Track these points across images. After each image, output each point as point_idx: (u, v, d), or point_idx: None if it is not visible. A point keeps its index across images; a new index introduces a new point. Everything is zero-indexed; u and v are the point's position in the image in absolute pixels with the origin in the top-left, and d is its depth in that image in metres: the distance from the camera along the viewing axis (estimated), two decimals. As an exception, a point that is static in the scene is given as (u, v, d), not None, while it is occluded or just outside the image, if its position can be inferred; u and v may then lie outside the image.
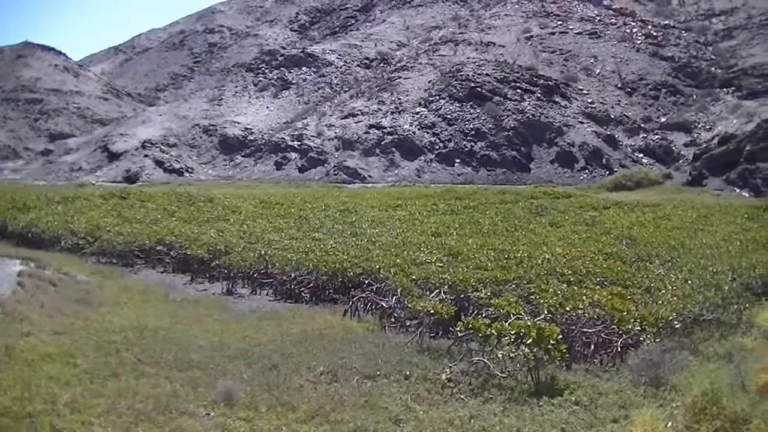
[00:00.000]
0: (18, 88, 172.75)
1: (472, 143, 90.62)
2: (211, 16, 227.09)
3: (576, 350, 16.15)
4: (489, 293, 18.61)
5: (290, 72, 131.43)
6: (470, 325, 14.88)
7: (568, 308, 16.81)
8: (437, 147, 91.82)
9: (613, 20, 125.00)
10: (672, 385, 12.96)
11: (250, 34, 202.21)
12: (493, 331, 14.15)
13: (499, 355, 13.83)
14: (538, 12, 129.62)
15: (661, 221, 36.03)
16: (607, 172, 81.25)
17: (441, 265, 22.57)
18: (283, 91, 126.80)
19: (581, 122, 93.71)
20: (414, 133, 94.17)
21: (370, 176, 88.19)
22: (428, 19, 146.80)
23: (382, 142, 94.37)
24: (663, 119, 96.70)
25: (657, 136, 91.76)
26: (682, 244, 27.62)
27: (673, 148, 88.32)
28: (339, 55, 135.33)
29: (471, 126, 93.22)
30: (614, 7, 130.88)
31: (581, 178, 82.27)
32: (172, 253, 29.57)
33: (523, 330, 13.71)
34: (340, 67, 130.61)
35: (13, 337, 15.62)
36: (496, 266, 22.08)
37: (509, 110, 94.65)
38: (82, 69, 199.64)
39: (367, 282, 21.89)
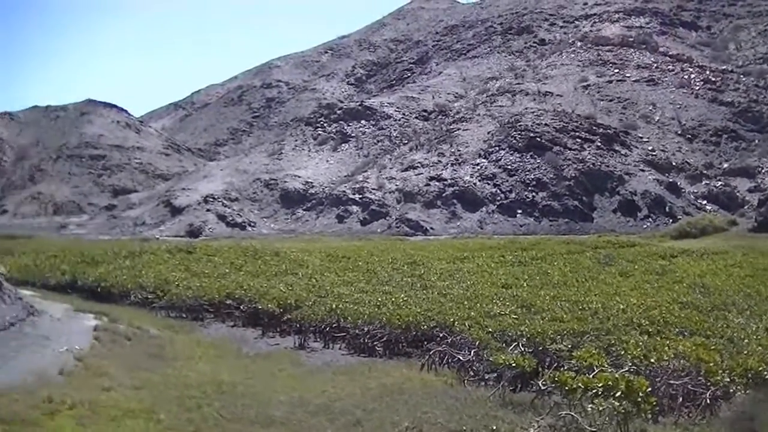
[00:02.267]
0: (82, 145, 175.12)
1: (534, 193, 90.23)
2: (269, 72, 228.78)
3: (663, 403, 15.89)
4: (569, 345, 18.44)
5: (349, 125, 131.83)
6: (555, 378, 14.70)
7: (652, 360, 16.56)
8: (498, 198, 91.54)
9: (670, 67, 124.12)
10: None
11: (308, 88, 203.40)
12: (580, 384, 13.96)
13: (588, 409, 13.62)
14: (595, 60, 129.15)
15: (732, 269, 35.38)
16: (671, 220, 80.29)
17: (515, 317, 22.39)
18: (343, 144, 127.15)
19: (642, 170, 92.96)
20: (475, 184, 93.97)
21: (432, 228, 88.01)
22: (484, 70, 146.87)
23: (443, 194, 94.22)
24: (725, 165, 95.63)
25: (720, 183, 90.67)
26: (757, 292, 27.14)
27: (737, 194, 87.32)
28: (397, 107, 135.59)
29: (532, 176, 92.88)
30: (671, 53, 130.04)
31: (644, 226, 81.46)
32: (242, 307, 29.49)
33: (610, 382, 13.52)
34: (399, 120, 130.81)
35: (95, 392, 15.65)
36: (571, 317, 21.87)
37: (569, 159, 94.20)
38: (143, 125, 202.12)
39: (441, 335, 21.73)
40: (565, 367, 16.80)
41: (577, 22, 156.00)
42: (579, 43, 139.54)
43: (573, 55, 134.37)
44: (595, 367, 15.44)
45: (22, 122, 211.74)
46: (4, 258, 41.75)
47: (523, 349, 18.64)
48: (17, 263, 45.51)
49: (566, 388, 14.28)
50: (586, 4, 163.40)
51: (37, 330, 21.56)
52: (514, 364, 16.89)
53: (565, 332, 19.74)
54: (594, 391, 13.60)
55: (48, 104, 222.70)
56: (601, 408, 13.33)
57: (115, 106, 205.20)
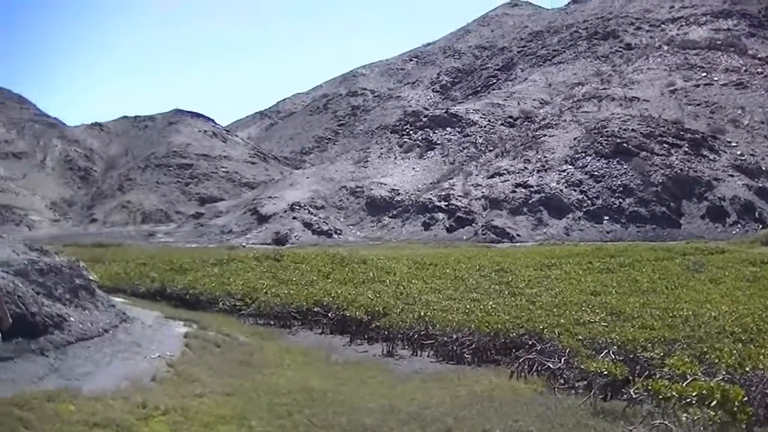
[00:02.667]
0: (169, 154, 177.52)
1: (621, 200, 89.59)
2: (354, 80, 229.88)
3: (758, 413, 15.60)
4: (660, 353, 18.22)
5: (435, 132, 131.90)
6: (648, 387, 14.52)
7: (747, 368, 16.27)
8: (585, 204, 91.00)
9: (759, 69, 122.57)
10: None
11: (393, 96, 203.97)
12: (674, 393, 13.77)
13: (683, 418, 13.43)
14: (682, 65, 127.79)
15: (828, 275, 34.80)
16: (761, 226, 78.96)
17: (605, 324, 22.17)
18: (429, 152, 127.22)
19: (731, 175, 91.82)
20: (561, 191, 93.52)
21: (518, 235, 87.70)
22: (570, 76, 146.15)
23: (530, 201, 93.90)
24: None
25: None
26: None
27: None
28: (482, 114, 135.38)
29: (618, 182, 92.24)
30: (760, 56, 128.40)
31: (734, 232, 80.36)
32: (329, 315, 29.46)
33: (705, 391, 13.32)
34: (484, 127, 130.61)
35: (188, 398, 15.79)
36: (662, 325, 21.54)
37: (656, 165, 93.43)
38: (229, 134, 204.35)
39: (530, 342, 21.59)
40: (657, 376, 16.59)
41: (663, 26, 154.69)
42: (666, 47, 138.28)
43: (659, 60, 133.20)
44: (688, 376, 15.22)
45: (111, 132, 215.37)
46: (94, 266, 42.16)
47: (613, 356, 18.45)
48: (108, 271, 46.05)
49: (660, 396, 14.08)
50: (672, 7, 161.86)
51: (129, 337, 21.83)
52: (605, 372, 16.74)
53: (655, 340, 19.47)
54: (688, 400, 13.40)
55: (137, 114, 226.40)
56: (695, 417, 13.12)
57: (202, 115, 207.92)
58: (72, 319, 19.17)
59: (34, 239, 52.89)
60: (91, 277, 24.44)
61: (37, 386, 15.40)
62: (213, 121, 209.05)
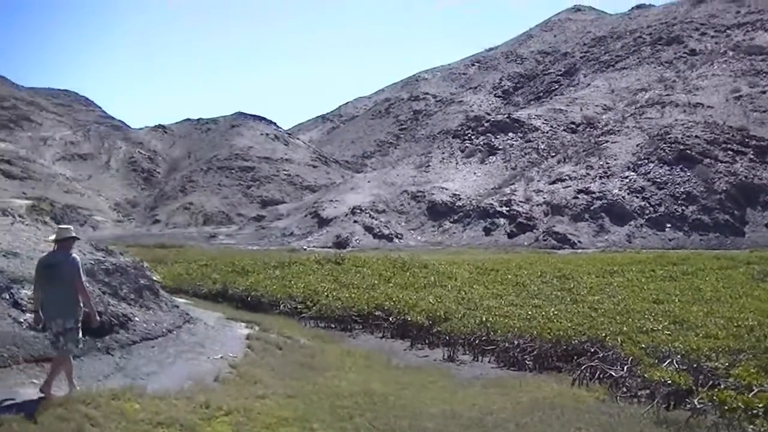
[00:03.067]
0: (231, 157, 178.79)
1: (683, 207, 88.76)
2: (416, 84, 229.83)
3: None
4: (725, 363, 18.01)
5: (496, 137, 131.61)
6: (713, 397, 14.38)
7: (815, 381, 16.09)
8: (647, 211, 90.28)
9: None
10: None
11: (455, 100, 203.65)
12: (740, 404, 13.63)
13: (749, 430, 13.29)
14: (747, 71, 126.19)
15: None
16: (827, 235, 78.22)
17: (668, 333, 21.96)
18: (490, 157, 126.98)
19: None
20: (623, 197, 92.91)
21: (579, 241, 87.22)
22: (633, 82, 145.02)
23: (591, 207, 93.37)
24: None
25: None
26: None
27: None
28: (544, 120, 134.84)
29: (681, 189, 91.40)
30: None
31: (799, 241, 79.44)
32: (390, 319, 29.47)
33: (772, 402, 13.19)
34: (546, 132, 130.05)
35: (250, 399, 15.87)
36: (726, 334, 21.23)
37: (720, 172, 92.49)
38: (291, 137, 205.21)
39: (592, 350, 21.46)
40: (722, 386, 16.42)
41: (729, 31, 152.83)
42: (731, 53, 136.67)
43: (725, 65, 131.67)
44: (754, 387, 15.05)
45: (174, 135, 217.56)
46: (157, 266, 42.57)
47: (677, 365, 18.29)
48: (170, 272, 46.51)
49: (725, 407, 13.94)
50: (738, 12, 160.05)
51: (192, 337, 22.00)
52: (669, 381, 16.61)
53: (720, 349, 19.21)
54: (754, 411, 13.28)
55: (199, 117, 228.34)
56: (762, 429, 13.01)
57: (264, 118, 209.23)
58: (137, 318, 19.39)
59: (99, 239, 53.54)
60: (154, 278, 24.68)
61: (102, 384, 15.56)
62: (275, 124, 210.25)
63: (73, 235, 14.83)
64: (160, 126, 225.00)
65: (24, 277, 18.17)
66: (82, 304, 14.37)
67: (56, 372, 14.37)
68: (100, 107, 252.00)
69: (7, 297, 17.25)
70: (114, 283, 21.07)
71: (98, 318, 15.33)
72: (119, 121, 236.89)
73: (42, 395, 13.94)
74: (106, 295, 19.93)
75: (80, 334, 14.57)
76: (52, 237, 15.11)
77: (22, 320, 16.74)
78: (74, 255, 14.63)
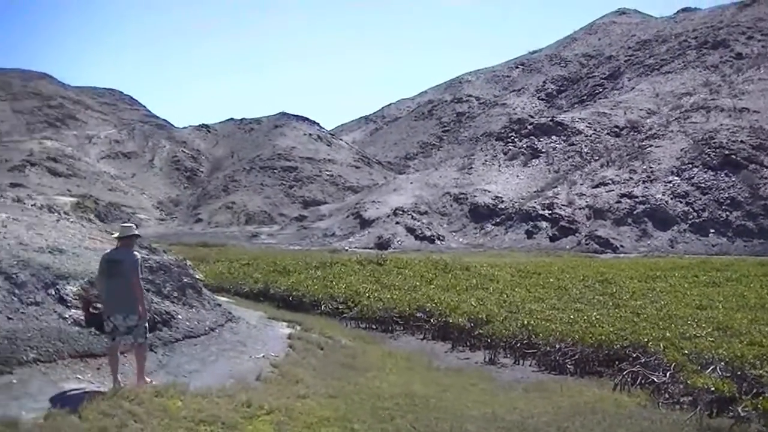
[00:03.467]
0: (274, 157, 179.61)
1: (727, 213, 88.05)
2: (459, 86, 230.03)
3: None
4: (771, 371, 17.86)
5: (539, 140, 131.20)
6: (758, 405, 14.29)
7: None
8: (691, 217, 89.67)
9: None
10: None
11: (498, 103, 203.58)
12: (783, 412, 13.53)
13: (793, 439, 13.19)
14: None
15: None
16: None
17: (712, 339, 21.77)
18: (533, 160, 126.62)
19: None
20: (666, 202, 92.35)
21: (621, 246, 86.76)
22: (678, 86, 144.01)
23: (634, 212, 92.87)
24: None
25: None
26: None
27: None
28: (588, 123, 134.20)
29: (726, 195, 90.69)
30: None
31: None
32: (432, 321, 29.43)
33: (816, 412, 13.07)
34: (590, 136, 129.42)
35: (291, 399, 15.90)
36: (772, 342, 21.18)
37: (766, 178, 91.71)
38: (334, 138, 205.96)
39: (634, 355, 21.33)
40: (766, 394, 16.29)
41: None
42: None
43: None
44: (797, 395, 14.95)
45: (218, 134, 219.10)
46: (199, 265, 42.76)
47: (720, 372, 18.15)
48: (212, 270, 46.73)
49: (769, 415, 13.87)
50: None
51: (235, 336, 22.08)
52: (712, 389, 16.49)
53: (764, 357, 18.96)
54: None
55: (243, 117, 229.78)
56: (806, 438, 12.92)
57: (307, 119, 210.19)
58: (180, 316, 19.51)
59: (142, 237, 53.83)
60: (197, 276, 24.80)
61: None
62: (318, 124, 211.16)
63: (135, 233, 15.73)
64: (203, 125, 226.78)
65: (69, 273, 18.35)
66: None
67: (142, 362, 15.38)
68: (144, 106, 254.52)
69: (53, 293, 17.41)
70: (158, 281, 21.22)
71: (147, 314, 15.99)
72: (163, 120, 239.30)
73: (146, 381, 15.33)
74: (149, 293, 20.06)
75: (147, 327, 15.48)
76: (116, 234, 15.80)
77: (67, 316, 16.90)
78: (135, 252, 15.51)
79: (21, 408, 12.42)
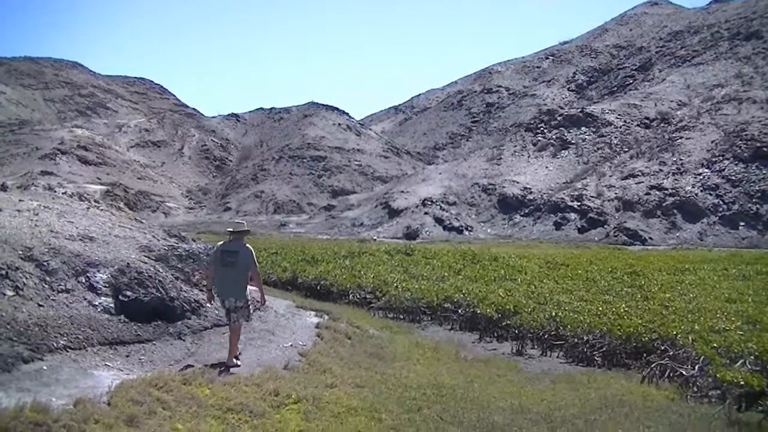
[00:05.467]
0: (303, 146, 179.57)
1: (758, 206, 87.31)
2: (489, 77, 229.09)
3: None
4: (800, 365, 17.75)
5: (569, 132, 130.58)
6: (788, 400, 14.22)
7: None
8: (721, 209, 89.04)
9: None
10: None
11: (528, 94, 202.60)
12: (813, 407, 13.46)
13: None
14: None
15: None
16: None
17: (741, 333, 21.63)
18: (563, 151, 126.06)
19: None
20: (696, 194, 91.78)
21: (650, 238, 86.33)
22: (710, 77, 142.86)
23: (664, 204, 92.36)
24: None
25: None
26: None
27: None
28: (618, 114, 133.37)
29: (757, 188, 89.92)
30: None
31: None
32: (459, 311, 29.46)
33: None
34: (620, 127, 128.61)
35: (319, 388, 15.95)
36: (802, 336, 21.03)
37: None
38: (363, 128, 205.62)
39: (663, 348, 21.22)
40: (796, 389, 16.22)
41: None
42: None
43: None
44: (828, 390, 14.87)
45: (247, 124, 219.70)
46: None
47: (750, 366, 18.05)
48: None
49: (799, 410, 13.79)
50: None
51: (263, 325, 22.17)
52: (742, 382, 16.41)
53: (794, 351, 19.01)
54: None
55: (272, 106, 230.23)
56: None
57: (336, 108, 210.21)
58: (208, 305, 19.57)
59: (171, 226, 54.06)
60: (226, 265, 24.94)
61: (174, 369, 15.81)
62: (347, 114, 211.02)
63: (247, 228, 17.57)
64: (233, 115, 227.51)
65: (99, 261, 18.46)
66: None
67: (235, 342, 17.30)
68: (174, 95, 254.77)
69: (83, 280, 17.55)
70: (187, 269, 21.33)
71: (265, 300, 19.09)
72: (193, 109, 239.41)
73: (237, 363, 17.08)
74: (179, 281, 20.16)
75: (251, 311, 18.48)
76: (230, 229, 17.60)
77: (97, 303, 17.02)
78: (248, 246, 17.11)
79: (51, 395, 12.52)
